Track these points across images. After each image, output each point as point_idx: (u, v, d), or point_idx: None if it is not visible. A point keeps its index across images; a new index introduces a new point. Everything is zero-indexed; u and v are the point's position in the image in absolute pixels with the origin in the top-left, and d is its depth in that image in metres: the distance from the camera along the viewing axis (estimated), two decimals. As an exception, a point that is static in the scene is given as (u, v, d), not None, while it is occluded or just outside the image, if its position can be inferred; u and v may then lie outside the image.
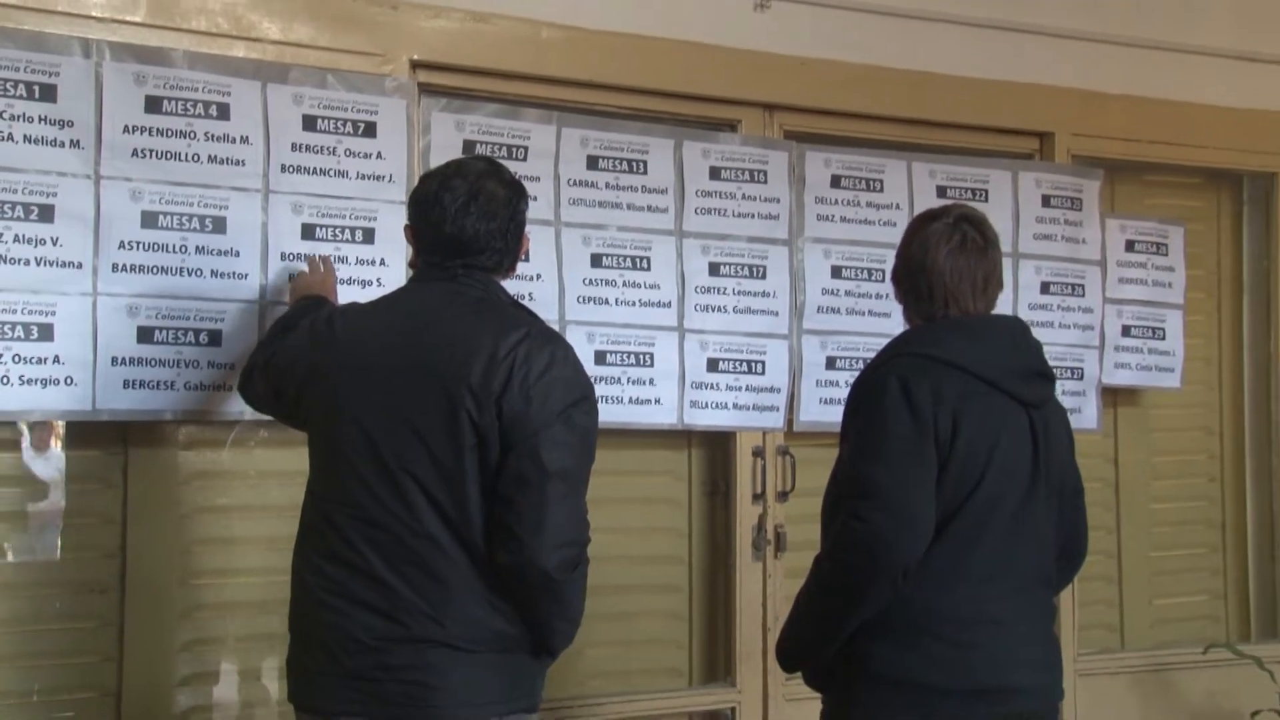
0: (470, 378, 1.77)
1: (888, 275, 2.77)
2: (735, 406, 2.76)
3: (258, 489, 2.41)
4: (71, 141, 2.17)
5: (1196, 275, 3.35)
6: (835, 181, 2.91)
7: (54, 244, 2.15)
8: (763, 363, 2.81)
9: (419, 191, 1.95)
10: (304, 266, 2.29)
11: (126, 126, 2.22)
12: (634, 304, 2.62)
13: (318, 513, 1.87)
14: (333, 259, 2.40)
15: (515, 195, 1.93)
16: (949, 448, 1.91)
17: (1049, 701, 2.04)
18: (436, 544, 1.77)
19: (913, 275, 2.05)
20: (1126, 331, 3.21)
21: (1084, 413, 3.12)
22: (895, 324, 2.77)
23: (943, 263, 2.02)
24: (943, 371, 1.95)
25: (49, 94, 2.15)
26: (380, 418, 1.80)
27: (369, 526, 1.79)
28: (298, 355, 1.98)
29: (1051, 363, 2.95)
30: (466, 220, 1.87)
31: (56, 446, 2.29)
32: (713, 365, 2.74)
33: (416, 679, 1.76)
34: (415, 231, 1.95)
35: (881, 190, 2.94)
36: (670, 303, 2.71)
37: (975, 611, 1.95)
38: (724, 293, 2.78)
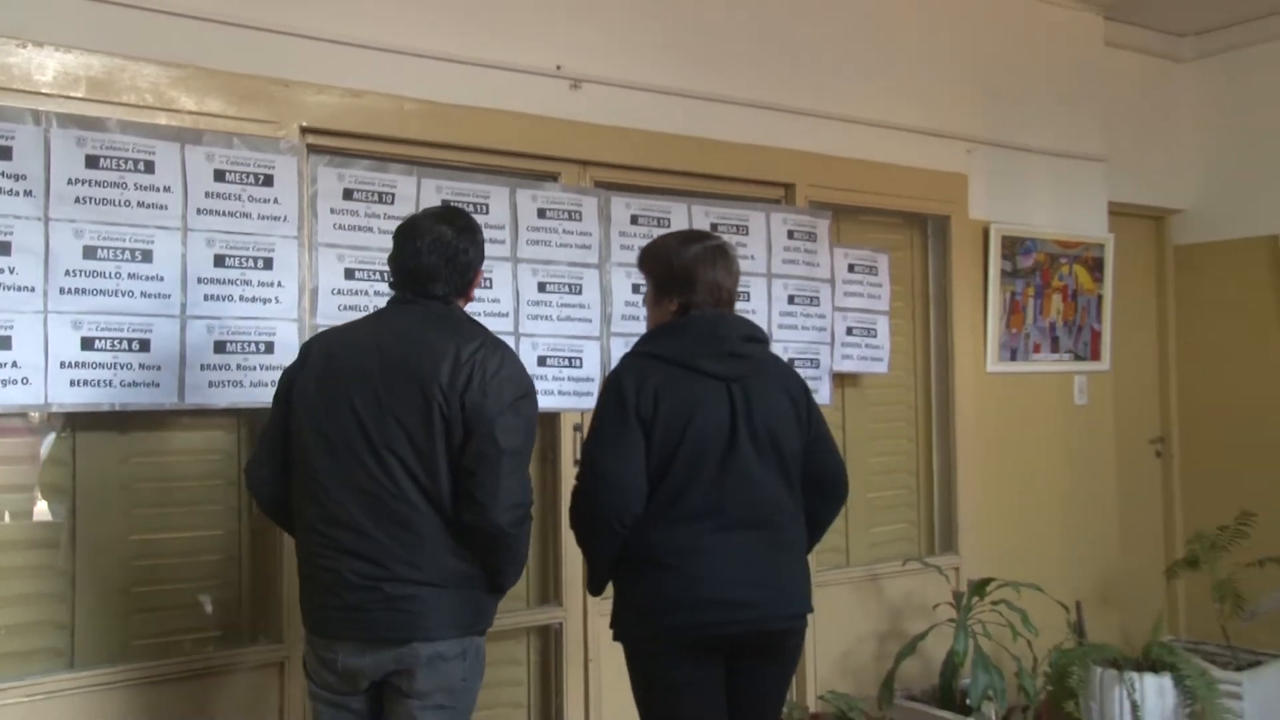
0: (440, 378, 1.85)
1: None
2: (560, 393, 2.89)
3: (182, 464, 2.48)
4: (25, 191, 2.21)
5: (898, 290, 3.63)
6: (634, 220, 3.06)
7: (11, 272, 2.19)
8: (580, 359, 2.95)
9: (395, 235, 2.01)
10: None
11: (70, 179, 2.26)
12: (480, 315, 2.67)
13: (312, 486, 1.91)
14: (238, 282, 2.43)
15: (461, 235, 1.98)
16: (652, 420, 2.00)
17: (768, 613, 2.04)
18: (413, 506, 1.85)
19: (676, 284, 2.10)
20: (849, 332, 3.46)
21: (820, 392, 3.30)
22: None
23: (707, 277, 2.10)
24: (650, 364, 2.06)
25: (6, 154, 2.19)
26: (371, 409, 1.88)
27: (359, 493, 1.86)
28: (277, 412, 2.00)
29: (795, 356, 3.28)
30: (423, 258, 1.96)
31: (17, 435, 2.30)
32: (542, 361, 2.86)
33: (397, 608, 1.84)
34: (392, 267, 2.02)
35: (669, 226, 3.07)
36: (508, 313, 2.83)
37: (692, 544, 2.00)
38: (550, 305, 2.90)
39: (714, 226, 3.20)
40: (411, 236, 1.98)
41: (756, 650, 2.07)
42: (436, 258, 1.96)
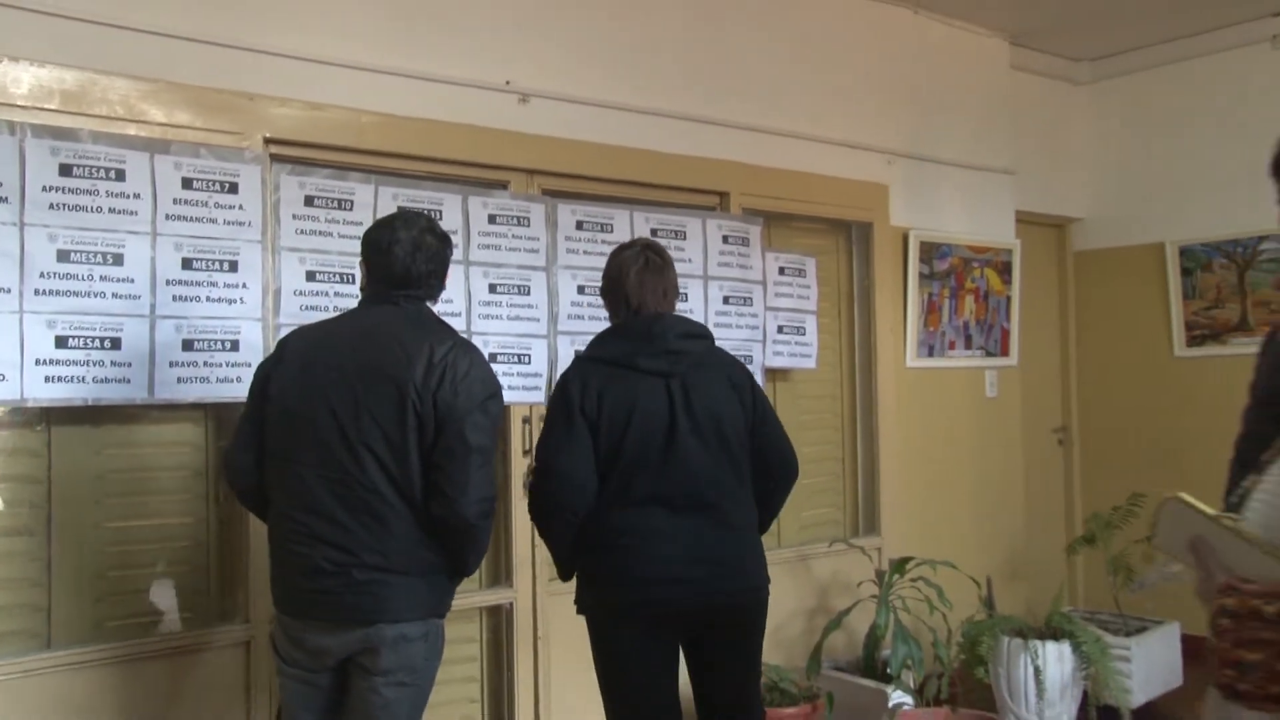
0: (415, 377, 1.90)
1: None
2: (510, 388, 2.90)
3: (152, 455, 2.51)
4: (2, 198, 2.24)
5: (824, 291, 3.77)
6: (579, 225, 3.12)
7: None
8: (529, 355, 3.02)
9: (375, 237, 2.03)
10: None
11: (45, 186, 2.28)
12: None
13: (287, 476, 1.95)
14: (205, 284, 2.47)
15: (444, 244, 2.06)
16: (597, 418, 2.11)
17: (711, 588, 2.13)
18: (383, 498, 1.90)
19: (614, 290, 2.25)
20: (780, 330, 3.57)
21: (754, 387, 3.58)
22: (617, 325, 3.19)
23: (633, 279, 2.21)
24: (593, 366, 2.17)
25: None
26: (348, 406, 1.92)
27: (333, 484, 1.91)
28: (253, 405, 2.01)
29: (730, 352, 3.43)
30: (412, 264, 2.01)
31: None
32: (493, 358, 2.90)
33: (367, 592, 1.89)
34: (369, 266, 2.04)
35: (612, 231, 3.18)
36: (461, 313, 2.89)
37: (640, 527, 2.11)
38: (500, 306, 2.97)
39: (654, 232, 3.31)
40: (402, 244, 2.01)
41: (709, 623, 2.16)
42: (433, 265, 2.03)
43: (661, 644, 2.16)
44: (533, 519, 2.23)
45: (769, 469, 2.26)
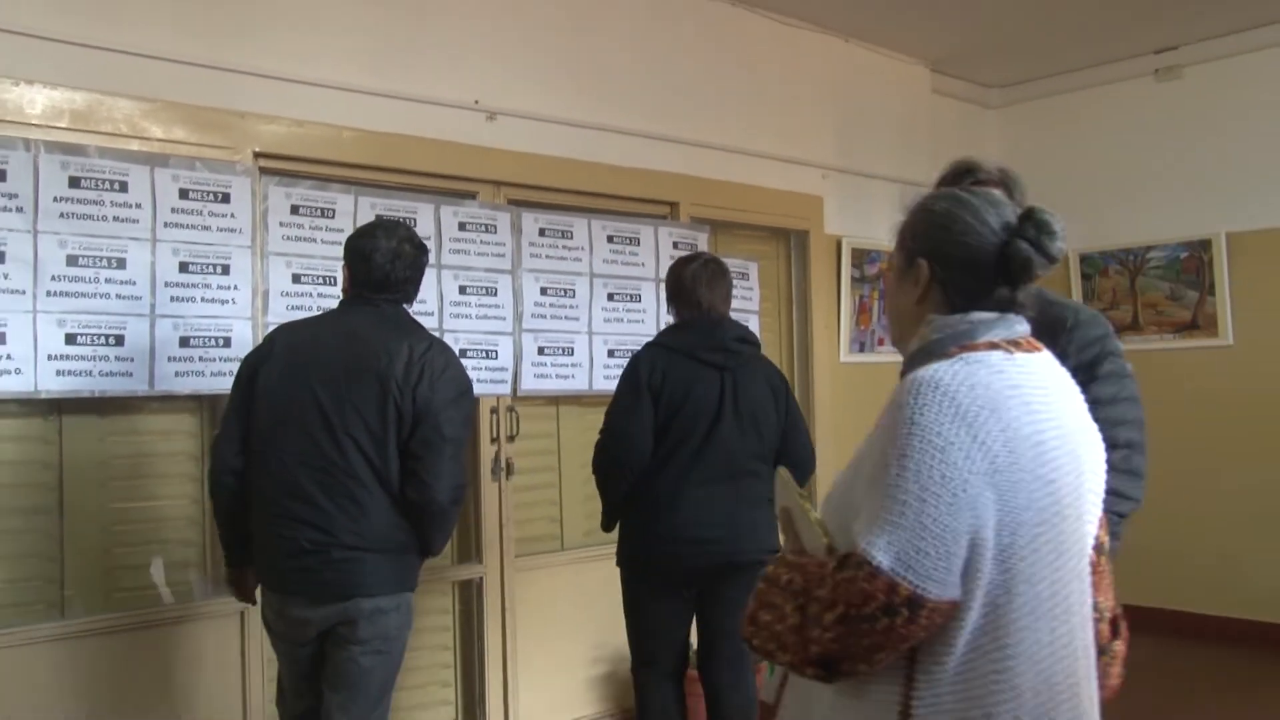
0: (395, 373, 1.98)
1: (577, 294, 3.28)
2: (479, 381, 3.01)
3: (152, 442, 2.62)
4: (17, 208, 2.36)
5: (766, 293, 3.94)
6: (541, 232, 3.26)
7: (5, 278, 2.35)
8: (496, 351, 3.15)
9: (358, 245, 2.11)
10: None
11: (56, 197, 2.40)
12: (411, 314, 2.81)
13: (271, 462, 2.01)
14: (200, 286, 2.59)
15: (420, 252, 2.17)
16: (660, 394, 2.37)
17: (729, 548, 2.36)
18: (362, 483, 1.98)
19: (686, 296, 2.50)
20: None
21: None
22: (581, 325, 3.31)
23: (705, 288, 2.48)
24: (660, 351, 2.44)
25: (1, 176, 2.34)
26: (333, 398, 2.01)
27: (315, 470, 1.98)
28: (239, 396, 2.07)
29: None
30: (392, 270, 2.10)
31: (12, 417, 2.44)
32: (463, 354, 2.96)
33: (344, 569, 1.98)
34: (351, 271, 2.12)
35: (572, 238, 3.34)
36: (434, 313, 3.00)
37: (677, 491, 2.35)
38: (469, 306, 3.10)
39: (610, 238, 3.45)
40: (382, 252, 2.11)
41: (721, 578, 2.39)
42: (410, 271, 2.17)
43: (678, 594, 2.43)
44: (595, 472, 2.46)
45: (793, 464, 2.47)
